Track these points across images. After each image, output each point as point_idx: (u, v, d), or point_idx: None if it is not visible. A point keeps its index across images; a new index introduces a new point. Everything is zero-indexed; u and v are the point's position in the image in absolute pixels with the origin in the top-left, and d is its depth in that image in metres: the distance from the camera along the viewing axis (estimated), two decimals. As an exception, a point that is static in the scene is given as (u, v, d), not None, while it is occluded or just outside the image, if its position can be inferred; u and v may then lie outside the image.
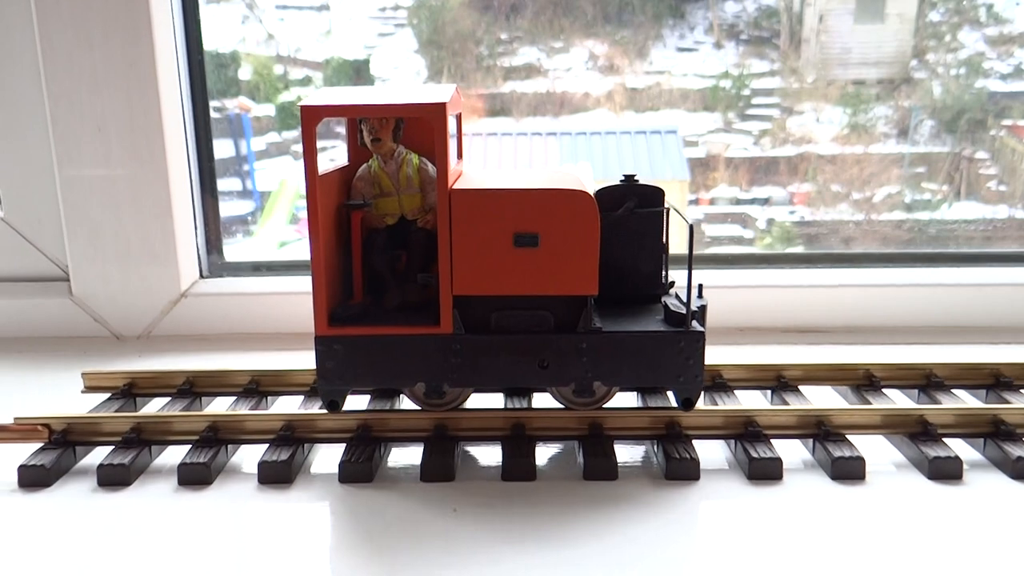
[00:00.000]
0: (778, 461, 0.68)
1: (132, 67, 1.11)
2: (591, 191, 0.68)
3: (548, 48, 5.33)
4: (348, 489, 0.71)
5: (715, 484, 0.67)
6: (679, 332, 0.71)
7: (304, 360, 0.94)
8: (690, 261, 0.70)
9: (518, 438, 0.72)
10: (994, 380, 0.81)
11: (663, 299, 0.78)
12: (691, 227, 0.69)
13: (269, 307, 1.09)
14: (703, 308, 0.69)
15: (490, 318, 0.71)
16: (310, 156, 0.69)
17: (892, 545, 0.58)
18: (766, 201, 3.74)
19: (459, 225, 0.69)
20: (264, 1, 5.68)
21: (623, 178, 0.77)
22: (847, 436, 0.71)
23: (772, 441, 0.75)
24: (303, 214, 4.79)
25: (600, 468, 0.69)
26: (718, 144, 4.62)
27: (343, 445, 0.77)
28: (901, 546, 0.58)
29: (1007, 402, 0.77)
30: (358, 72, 5.64)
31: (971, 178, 3.88)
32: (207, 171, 1.16)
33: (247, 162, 5.25)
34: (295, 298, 1.10)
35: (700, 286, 0.74)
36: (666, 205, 0.77)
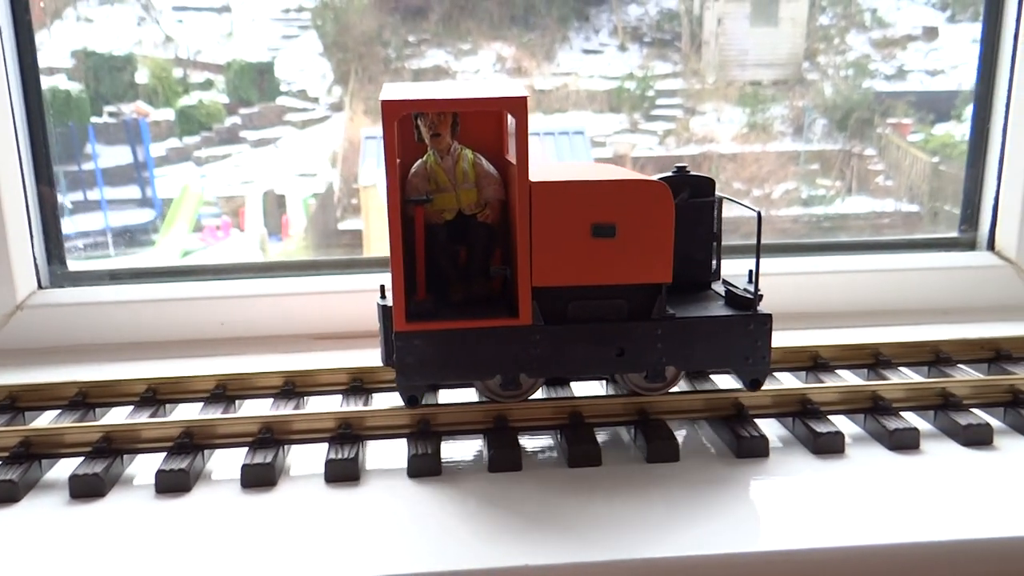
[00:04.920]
0: (675, 443, 0.70)
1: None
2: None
3: (456, 50, 5.35)
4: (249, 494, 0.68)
5: (617, 468, 0.68)
6: (749, 315, 0.73)
7: (144, 370, 0.88)
8: (758, 248, 0.72)
9: (424, 434, 0.71)
10: (874, 359, 0.85)
11: (713, 286, 0.80)
12: (759, 214, 0.71)
13: (119, 316, 1.01)
14: (761, 294, 0.72)
15: (566, 308, 0.71)
16: (390, 152, 0.67)
17: (782, 515, 0.61)
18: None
19: (539, 217, 0.68)
20: (161, 2, 5.48)
21: (675, 169, 0.79)
22: (753, 417, 0.73)
23: (674, 424, 0.77)
24: (207, 221, 4.64)
25: (505, 459, 0.69)
26: (624, 144, 4.73)
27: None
28: (791, 516, 0.60)
29: (885, 379, 0.81)
30: (262, 75, 5.52)
31: (861, 174, 4.10)
32: (44, 167, 1.01)
33: (146, 169, 5.05)
34: (148, 306, 1.01)
35: (750, 272, 0.77)
36: (718, 195, 0.80)
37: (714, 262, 0.80)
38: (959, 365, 0.80)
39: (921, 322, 0.93)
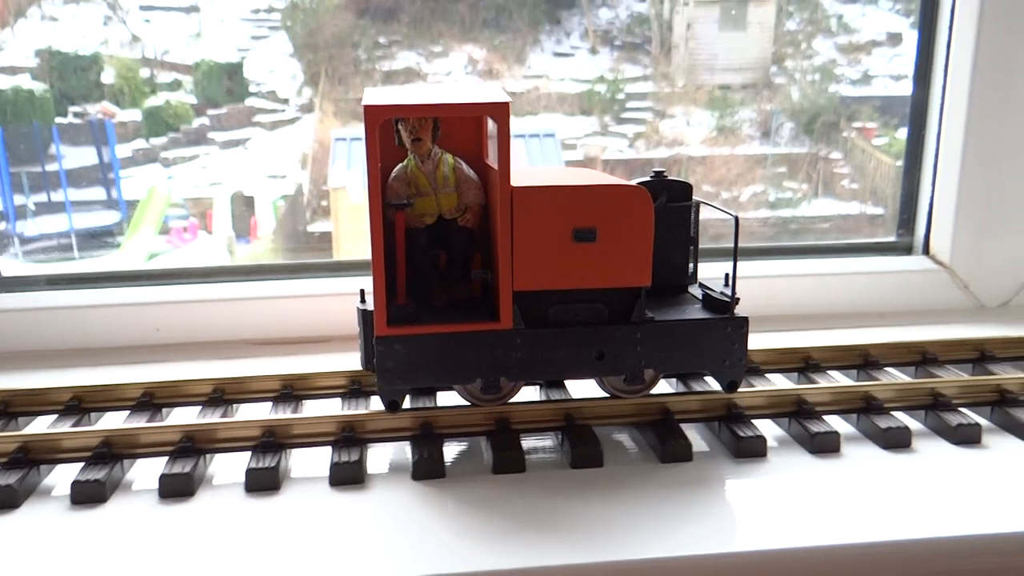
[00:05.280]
0: (599, 448, 0.70)
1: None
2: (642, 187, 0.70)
3: (427, 52, 5.34)
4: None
5: (541, 474, 0.69)
6: (726, 319, 0.74)
7: (75, 377, 0.87)
8: (735, 252, 0.73)
9: (349, 441, 0.71)
10: (804, 363, 0.86)
11: (690, 289, 0.81)
12: (736, 219, 0.72)
13: (55, 323, 0.99)
14: (738, 298, 0.73)
15: (547, 312, 0.71)
16: (372, 157, 0.66)
17: (701, 518, 0.61)
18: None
19: (521, 222, 0.68)
20: (128, 1, 5.42)
21: (653, 174, 0.80)
22: (679, 423, 0.74)
23: (601, 431, 0.77)
24: (174, 223, 4.59)
25: (430, 467, 0.69)
26: (595, 147, 4.75)
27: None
28: (714, 519, 0.61)
29: (814, 382, 0.82)
30: (231, 76, 5.47)
31: (827, 177, 4.15)
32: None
33: (112, 170, 4.99)
34: (84, 312, 0.99)
35: (727, 275, 0.78)
36: (695, 199, 0.81)
37: (691, 266, 0.81)
38: (886, 368, 0.81)
39: (856, 325, 0.94)
